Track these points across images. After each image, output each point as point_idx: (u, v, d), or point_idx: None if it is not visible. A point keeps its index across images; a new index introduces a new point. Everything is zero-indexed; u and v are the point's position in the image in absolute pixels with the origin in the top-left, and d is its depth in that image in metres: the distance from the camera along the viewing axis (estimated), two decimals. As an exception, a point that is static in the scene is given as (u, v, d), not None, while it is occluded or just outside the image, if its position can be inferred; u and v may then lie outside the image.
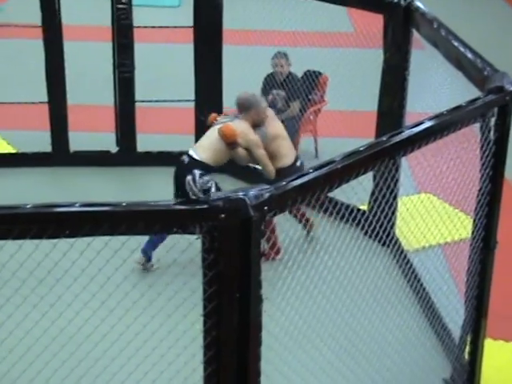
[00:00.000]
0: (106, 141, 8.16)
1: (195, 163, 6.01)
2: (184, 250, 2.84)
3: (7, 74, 9.56)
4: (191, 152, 6.13)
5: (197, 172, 5.95)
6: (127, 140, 8.19)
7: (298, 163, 6.26)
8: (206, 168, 6.01)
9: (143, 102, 8.10)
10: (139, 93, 7.97)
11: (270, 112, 6.42)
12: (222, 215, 2.57)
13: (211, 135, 6.20)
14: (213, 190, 5.87)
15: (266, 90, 8.05)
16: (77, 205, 2.53)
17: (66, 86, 7.89)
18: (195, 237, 2.58)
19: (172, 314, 3.49)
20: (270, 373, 2.87)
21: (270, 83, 8.05)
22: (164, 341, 3.70)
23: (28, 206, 2.51)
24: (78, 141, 8.08)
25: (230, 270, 2.65)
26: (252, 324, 2.72)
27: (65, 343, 4.09)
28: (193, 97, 8.00)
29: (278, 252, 5.77)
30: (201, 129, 8.05)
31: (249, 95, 6.23)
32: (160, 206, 2.58)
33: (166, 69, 10.38)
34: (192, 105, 8.03)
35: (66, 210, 2.53)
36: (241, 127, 6.07)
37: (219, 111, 7.96)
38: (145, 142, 8.15)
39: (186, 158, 6.08)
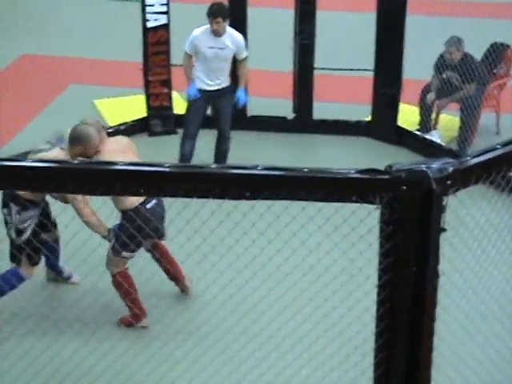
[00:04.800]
0: (283, 107, 8.23)
1: (14, 196, 5.11)
2: (362, 219, 2.83)
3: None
4: None
5: (14, 207, 5.14)
6: (304, 107, 8.24)
7: (149, 205, 5.04)
8: (24, 204, 5.13)
9: (322, 69, 8.10)
10: (318, 60, 7.98)
11: (113, 146, 5.24)
12: (404, 187, 2.53)
13: None
14: (27, 233, 5.12)
15: (438, 69, 7.87)
16: (259, 168, 2.55)
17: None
18: (374, 207, 2.56)
19: (346, 283, 3.50)
20: (442, 350, 2.82)
21: (442, 63, 7.83)
22: (337, 309, 3.73)
23: (212, 166, 2.57)
24: (256, 106, 8.19)
25: (407, 242, 2.61)
26: (427, 299, 2.67)
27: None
28: (372, 67, 7.92)
29: (137, 318, 5.13)
30: (378, 99, 7.99)
31: (80, 130, 5.08)
32: (340, 173, 2.56)
33: (346, 37, 10.31)
34: (371, 74, 7.94)
35: (248, 172, 2.56)
36: (53, 157, 4.96)
37: (398, 83, 7.85)
38: (321, 110, 8.16)
39: None
